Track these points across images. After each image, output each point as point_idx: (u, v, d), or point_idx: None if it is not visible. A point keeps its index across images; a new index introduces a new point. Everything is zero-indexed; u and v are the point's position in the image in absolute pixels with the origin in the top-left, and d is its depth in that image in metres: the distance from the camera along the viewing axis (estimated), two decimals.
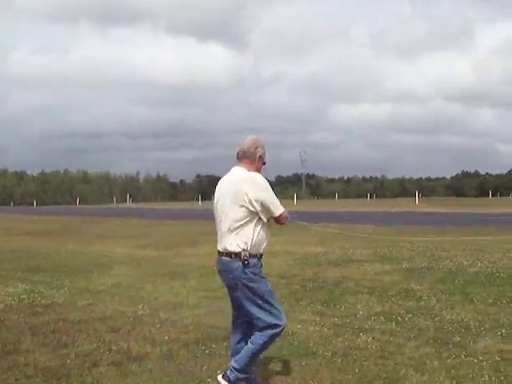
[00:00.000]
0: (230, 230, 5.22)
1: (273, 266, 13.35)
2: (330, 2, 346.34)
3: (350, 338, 7.36)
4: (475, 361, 6.38)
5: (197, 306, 9.56)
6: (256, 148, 5.44)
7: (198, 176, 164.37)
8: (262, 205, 5.16)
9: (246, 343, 5.56)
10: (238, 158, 5.49)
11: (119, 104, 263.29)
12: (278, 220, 5.34)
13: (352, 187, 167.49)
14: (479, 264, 13.17)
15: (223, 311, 9.00)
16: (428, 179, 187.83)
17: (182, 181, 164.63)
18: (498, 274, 11.76)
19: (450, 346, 6.95)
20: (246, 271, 5.16)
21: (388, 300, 9.68)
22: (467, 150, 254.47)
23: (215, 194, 5.54)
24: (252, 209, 5.14)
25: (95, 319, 8.69)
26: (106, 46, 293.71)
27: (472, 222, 29.16)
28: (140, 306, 9.47)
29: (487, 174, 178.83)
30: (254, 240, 5.19)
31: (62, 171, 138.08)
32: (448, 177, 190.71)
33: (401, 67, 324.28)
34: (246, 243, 5.16)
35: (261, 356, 6.10)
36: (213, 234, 17.73)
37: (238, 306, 5.51)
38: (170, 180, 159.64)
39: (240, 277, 5.17)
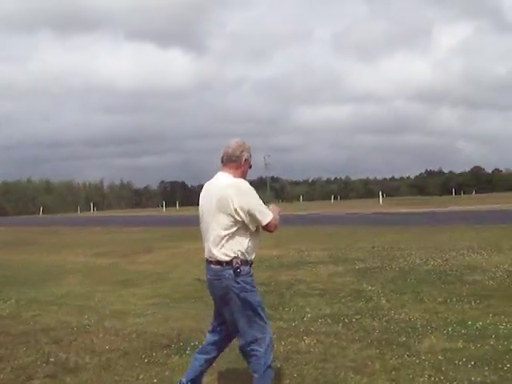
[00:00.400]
0: (219, 238, 5.00)
1: None
2: (290, 4, 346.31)
3: (294, 342, 7.25)
4: (417, 361, 6.31)
5: (143, 314, 9.38)
6: (242, 152, 5.21)
7: (163, 182, 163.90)
8: (249, 214, 4.95)
9: (218, 347, 5.44)
10: (222, 162, 5.25)
11: (80, 112, 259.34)
12: (267, 228, 5.10)
13: (316, 189, 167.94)
14: (432, 262, 13.16)
15: (169, 318, 8.94)
16: (392, 179, 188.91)
17: (146, 187, 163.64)
18: (450, 272, 11.76)
19: (394, 347, 6.88)
20: (238, 280, 4.96)
21: (338, 302, 9.61)
22: (430, 148, 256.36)
23: (200, 200, 5.32)
24: (238, 218, 4.94)
25: (38, 331, 8.51)
26: (65, 53, 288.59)
27: (432, 220, 29.31)
28: (86, 316, 9.31)
29: (451, 172, 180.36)
30: (245, 247, 5.00)
31: (25, 181, 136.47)
32: (412, 176, 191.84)
33: (362, 68, 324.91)
34: (236, 251, 4.96)
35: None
36: (168, 240, 17.61)
37: (219, 314, 5.31)
38: (135, 187, 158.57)
39: (232, 285, 4.96)
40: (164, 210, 77.48)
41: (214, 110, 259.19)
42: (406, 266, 12.82)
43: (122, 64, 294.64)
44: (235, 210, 4.92)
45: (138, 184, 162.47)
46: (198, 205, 5.36)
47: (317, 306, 9.32)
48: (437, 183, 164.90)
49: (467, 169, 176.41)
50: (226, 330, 5.33)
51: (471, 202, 54.67)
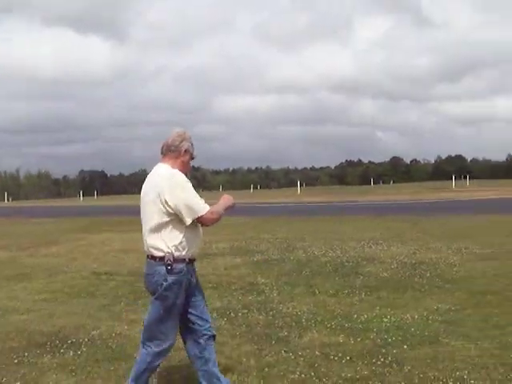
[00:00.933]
0: (154, 232, 4.84)
1: (124, 264, 13.08)
2: None
3: None
4: (293, 357, 6.26)
5: (29, 311, 9.03)
6: (181, 141, 5.04)
7: (82, 171, 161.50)
8: (181, 207, 4.75)
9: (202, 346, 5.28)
10: (162, 153, 5.09)
11: None
12: (201, 222, 4.91)
13: (237, 178, 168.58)
14: (331, 254, 13.24)
15: (54, 315, 8.65)
16: (313, 169, 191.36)
17: (65, 177, 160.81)
18: (346, 264, 11.85)
19: (273, 342, 6.82)
20: (168, 278, 4.79)
21: (229, 295, 9.51)
22: (351, 139, 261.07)
23: (141, 191, 5.11)
24: (170, 210, 4.76)
25: None
26: None
27: (343, 210, 29.60)
28: None
29: (370, 162, 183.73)
30: (178, 241, 4.81)
31: None
32: (332, 166, 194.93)
33: (285, 58, 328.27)
34: (170, 246, 4.79)
35: (75, 362, 5.75)
36: (76, 232, 17.19)
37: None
38: (53, 176, 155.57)
39: (160, 282, 4.80)
40: (81, 200, 76.21)
41: (134, 98, 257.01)
42: (304, 258, 12.86)
43: (38, 50, 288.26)
44: (165, 201, 4.77)
45: (56, 174, 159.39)
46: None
47: (207, 300, 9.16)
48: (356, 173, 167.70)
49: (386, 159, 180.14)
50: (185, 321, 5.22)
51: (388, 192, 55.66)
